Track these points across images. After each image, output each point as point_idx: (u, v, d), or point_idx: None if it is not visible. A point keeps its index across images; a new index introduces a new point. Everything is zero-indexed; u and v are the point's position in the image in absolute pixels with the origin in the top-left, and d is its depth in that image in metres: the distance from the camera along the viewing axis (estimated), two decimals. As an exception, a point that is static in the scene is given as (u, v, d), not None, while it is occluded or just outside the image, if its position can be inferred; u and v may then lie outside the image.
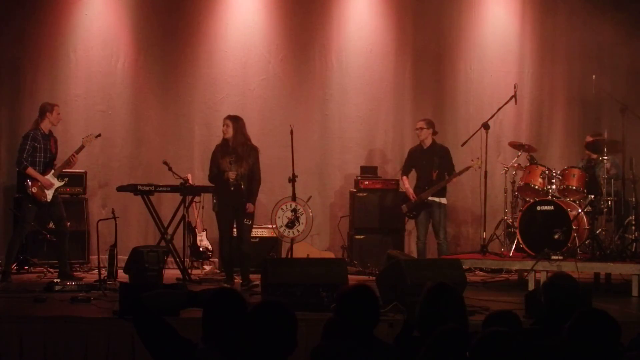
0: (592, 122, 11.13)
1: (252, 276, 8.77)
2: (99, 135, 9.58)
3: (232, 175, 8.66)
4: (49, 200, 9.01)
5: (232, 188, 8.69)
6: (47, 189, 8.99)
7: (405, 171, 10.12)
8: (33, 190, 8.92)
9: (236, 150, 8.76)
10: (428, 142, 9.89)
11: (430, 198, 9.79)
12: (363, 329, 3.90)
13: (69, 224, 9.32)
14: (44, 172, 9.01)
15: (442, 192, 9.85)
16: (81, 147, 9.23)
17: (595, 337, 3.66)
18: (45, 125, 9.06)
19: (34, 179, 8.93)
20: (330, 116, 11.34)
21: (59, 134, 9.69)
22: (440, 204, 9.81)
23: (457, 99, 11.50)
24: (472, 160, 9.86)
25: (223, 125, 8.88)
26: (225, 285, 8.50)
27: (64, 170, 9.26)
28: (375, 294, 4.03)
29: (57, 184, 9.11)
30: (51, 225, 9.58)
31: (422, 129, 9.87)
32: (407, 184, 10.00)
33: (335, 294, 7.09)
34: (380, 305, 4.05)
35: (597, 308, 3.94)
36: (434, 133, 9.92)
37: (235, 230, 8.91)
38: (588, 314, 3.81)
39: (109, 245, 9.01)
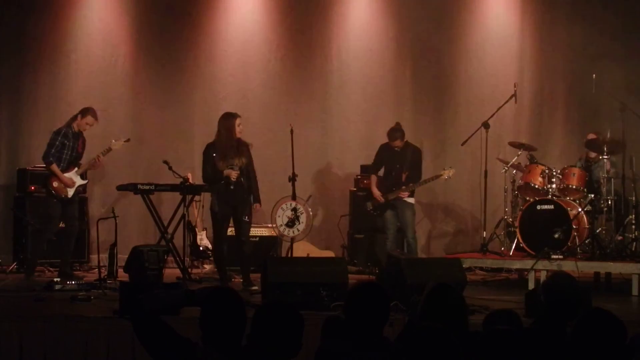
0: (592, 122, 11.12)
1: (252, 275, 8.77)
2: (128, 139, 9.59)
3: (234, 174, 8.62)
4: (69, 197, 9.10)
5: (232, 187, 8.65)
6: (69, 187, 9.03)
7: (375, 169, 9.82)
8: (54, 184, 9.00)
9: (240, 148, 8.73)
10: (401, 144, 9.64)
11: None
12: (372, 328, 3.85)
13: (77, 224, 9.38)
14: (67, 170, 9.08)
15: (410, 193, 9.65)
16: (108, 149, 9.29)
17: (600, 337, 3.65)
18: (75, 126, 9.14)
19: (55, 175, 8.97)
20: (330, 115, 11.35)
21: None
22: (407, 203, 9.60)
23: (457, 99, 11.50)
24: (444, 170, 9.70)
25: (239, 125, 8.75)
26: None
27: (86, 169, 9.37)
28: (385, 292, 3.98)
29: (79, 182, 9.20)
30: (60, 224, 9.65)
31: (400, 146, 9.57)
32: (375, 184, 9.73)
33: (336, 293, 7.17)
34: (389, 304, 3.99)
35: (601, 308, 3.93)
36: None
37: (233, 229, 8.88)
38: (592, 313, 3.80)
39: (109, 244, 9.00)
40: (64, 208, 9.16)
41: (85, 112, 9.18)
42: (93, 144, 10.71)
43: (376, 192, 9.70)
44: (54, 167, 9.01)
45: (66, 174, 9.07)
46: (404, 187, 9.54)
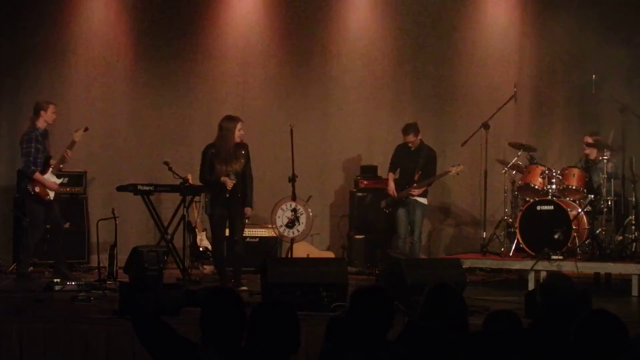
0: (592, 122, 11.12)
1: (252, 276, 8.77)
2: (87, 129, 9.41)
3: (230, 184, 8.58)
4: (52, 199, 9.04)
5: (227, 195, 8.61)
6: (52, 191, 9.02)
7: (392, 168, 10.03)
8: (36, 189, 8.95)
9: (238, 152, 8.71)
10: (416, 144, 9.86)
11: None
12: (376, 333, 3.82)
13: (67, 224, 9.36)
14: (43, 172, 9.03)
15: (422, 192, 9.80)
16: (73, 142, 9.19)
17: (602, 338, 3.66)
18: (41, 124, 9.06)
19: (35, 181, 8.94)
20: (330, 116, 11.35)
21: (59, 134, 9.73)
22: (419, 202, 9.76)
23: (457, 99, 11.49)
24: (452, 166, 9.85)
25: (240, 130, 8.70)
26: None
27: (62, 169, 9.30)
28: (390, 297, 3.97)
29: (58, 182, 9.16)
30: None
31: (413, 142, 9.81)
32: (391, 181, 9.93)
33: (336, 293, 7.16)
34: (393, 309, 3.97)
35: (604, 309, 3.94)
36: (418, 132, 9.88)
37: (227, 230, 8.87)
38: (595, 314, 3.81)
39: (109, 245, 9.00)
40: (46, 210, 9.15)
41: (45, 105, 9.06)
42: (93, 144, 10.75)
43: (391, 187, 9.85)
44: (38, 175, 8.94)
45: (45, 177, 9.03)
46: (414, 185, 9.66)
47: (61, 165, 9.26)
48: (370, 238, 10.55)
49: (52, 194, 9.05)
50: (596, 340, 3.65)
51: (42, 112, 9.04)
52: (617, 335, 3.69)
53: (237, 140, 8.70)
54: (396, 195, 9.80)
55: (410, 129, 9.82)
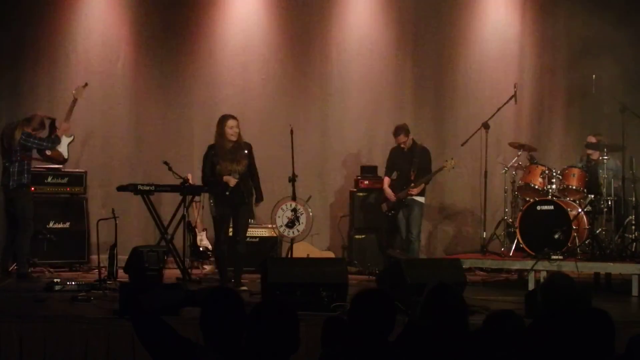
0: (592, 122, 11.12)
1: (252, 276, 8.77)
2: (86, 84, 9.73)
3: (233, 182, 8.58)
4: (66, 158, 9.48)
5: (228, 193, 8.60)
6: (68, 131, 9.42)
7: (388, 172, 10.12)
8: (48, 153, 9.26)
9: (238, 152, 8.69)
10: (409, 144, 9.92)
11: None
12: (377, 335, 3.81)
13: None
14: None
15: (420, 191, 9.86)
16: (74, 101, 9.44)
17: (600, 338, 3.66)
18: (27, 129, 9.15)
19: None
20: (330, 116, 11.35)
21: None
22: (416, 201, 9.81)
23: (457, 99, 11.50)
24: (446, 161, 9.90)
25: (232, 128, 8.63)
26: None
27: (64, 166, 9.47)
28: (392, 299, 3.97)
29: (69, 139, 9.60)
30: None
31: (405, 142, 9.88)
32: (387, 185, 10.00)
33: (336, 293, 7.16)
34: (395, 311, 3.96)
35: (597, 308, 3.94)
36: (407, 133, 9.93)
37: (231, 230, 8.86)
38: (595, 314, 3.81)
39: (109, 245, 9.00)
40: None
41: (46, 124, 9.34)
42: (93, 144, 10.76)
43: (388, 192, 9.90)
44: (59, 134, 9.27)
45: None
46: (412, 185, 9.70)
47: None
48: (370, 238, 10.56)
49: (65, 153, 9.42)
50: (595, 339, 3.66)
51: (42, 130, 9.26)
52: (614, 334, 3.70)
53: (232, 137, 8.67)
54: (395, 198, 9.82)
55: (399, 130, 9.89)
